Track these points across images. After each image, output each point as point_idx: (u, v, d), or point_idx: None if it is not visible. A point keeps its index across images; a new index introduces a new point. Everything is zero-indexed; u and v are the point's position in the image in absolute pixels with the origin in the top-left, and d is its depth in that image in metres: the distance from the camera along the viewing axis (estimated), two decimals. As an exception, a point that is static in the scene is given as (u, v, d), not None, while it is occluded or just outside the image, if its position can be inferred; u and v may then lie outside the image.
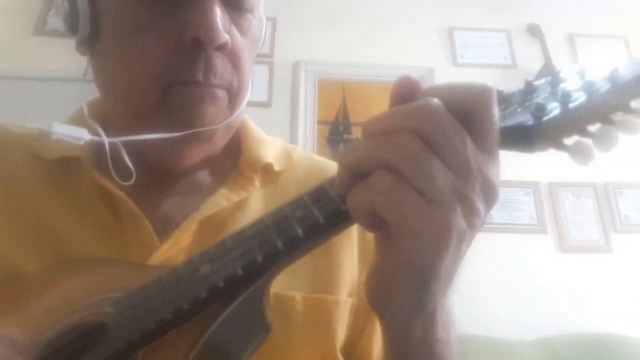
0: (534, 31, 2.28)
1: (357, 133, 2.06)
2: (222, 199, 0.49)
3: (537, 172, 2.00)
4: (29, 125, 0.46)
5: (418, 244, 0.29)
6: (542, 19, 2.30)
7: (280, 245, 0.33)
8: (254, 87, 0.57)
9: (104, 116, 0.52)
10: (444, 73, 2.17)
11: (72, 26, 0.47)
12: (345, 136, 2.07)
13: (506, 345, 1.58)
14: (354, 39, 2.21)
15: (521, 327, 1.66)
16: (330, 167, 0.60)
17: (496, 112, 0.31)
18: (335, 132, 2.07)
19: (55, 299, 0.39)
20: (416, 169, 0.29)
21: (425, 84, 0.33)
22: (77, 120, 0.50)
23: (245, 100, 0.52)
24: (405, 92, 0.33)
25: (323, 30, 2.20)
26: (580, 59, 2.26)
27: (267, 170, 0.54)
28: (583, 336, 1.65)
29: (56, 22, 2.11)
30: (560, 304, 1.82)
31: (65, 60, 1.93)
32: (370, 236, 0.44)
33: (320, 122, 2.08)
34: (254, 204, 0.52)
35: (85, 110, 0.50)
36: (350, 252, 0.52)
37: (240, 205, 0.51)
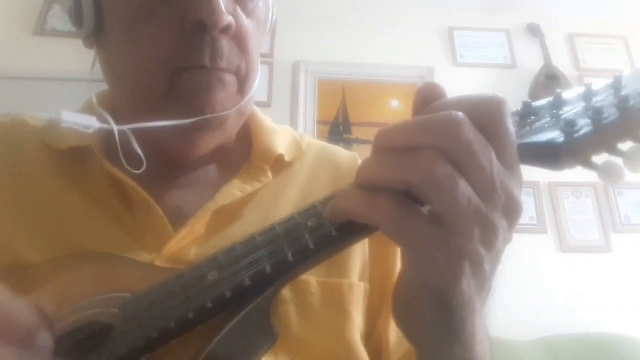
0: (534, 31, 2.28)
1: (357, 133, 2.06)
2: (236, 190, 0.49)
3: (537, 172, 1.99)
4: (39, 115, 0.45)
5: (431, 269, 0.28)
6: (542, 19, 2.30)
7: (290, 256, 0.32)
8: (254, 87, 0.56)
9: (112, 109, 0.51)
10: (444, 73, 2.17)
11: (77, 21, 0.47)
12: (345, 136, 2.06)
13: (506, 345, 1.58)
14: (354, 39, 2.21)
15: (521, 327, 1.66)
16: (339, 154, 0.60)
17: (511, 122, 0.29)
18: (335, 132, 2.07)
19: (65, 292, 0.38)
20: (442, 195, 0.26)
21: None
22: (87, 110, 0.49)
23: (256, 84, 0.51)
24: (429, 98, 0.30)
25: (323, 30, 2.20)
26: (580, 58, 2.26)
27: (278, 162, 0.54)
28: (583, 336, 1.65)
29: (56, 22, 2.11)
30: (560, 304, 1.82)
31: (66, 60, 1.92)
32: None
33: (320, 122, 2.08)
34: (265, 195, 0.51)
35: (95, 100, 0.50)
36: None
37: (252, 196, 0.50)
